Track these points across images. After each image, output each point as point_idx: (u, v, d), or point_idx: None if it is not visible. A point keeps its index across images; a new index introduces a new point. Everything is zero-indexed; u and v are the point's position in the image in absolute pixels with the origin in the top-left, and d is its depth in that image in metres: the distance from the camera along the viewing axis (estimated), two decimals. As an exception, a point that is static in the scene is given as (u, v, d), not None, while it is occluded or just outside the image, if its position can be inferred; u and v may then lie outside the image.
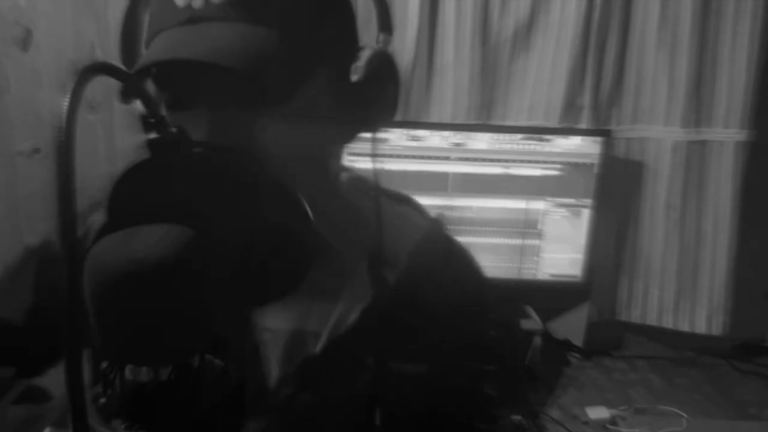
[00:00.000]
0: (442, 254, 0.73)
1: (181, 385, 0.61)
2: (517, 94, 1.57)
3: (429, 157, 1.49)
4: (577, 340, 1.63)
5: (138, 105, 0.48)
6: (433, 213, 0.76)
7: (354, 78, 0.57)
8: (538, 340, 1.52)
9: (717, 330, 1.61)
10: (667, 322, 1.64)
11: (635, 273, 1.65)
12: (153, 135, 0.48)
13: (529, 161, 1.51)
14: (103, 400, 0.62)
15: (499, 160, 1.50)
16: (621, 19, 1.53)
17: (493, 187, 1.51)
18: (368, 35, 0.63)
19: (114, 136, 1.49)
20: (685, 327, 1.63)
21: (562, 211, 1.54)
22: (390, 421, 0.64)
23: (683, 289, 1.62)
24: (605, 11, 1.51)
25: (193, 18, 0.52)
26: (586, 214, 1.54)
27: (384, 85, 0.60)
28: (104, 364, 0.62)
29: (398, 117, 0.68)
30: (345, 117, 0.60)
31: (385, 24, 0.63)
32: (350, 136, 0.63)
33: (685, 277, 1.61)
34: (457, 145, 1.49)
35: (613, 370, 1.58)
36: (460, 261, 0.76)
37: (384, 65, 0.60)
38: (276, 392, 0.64)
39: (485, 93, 1.56)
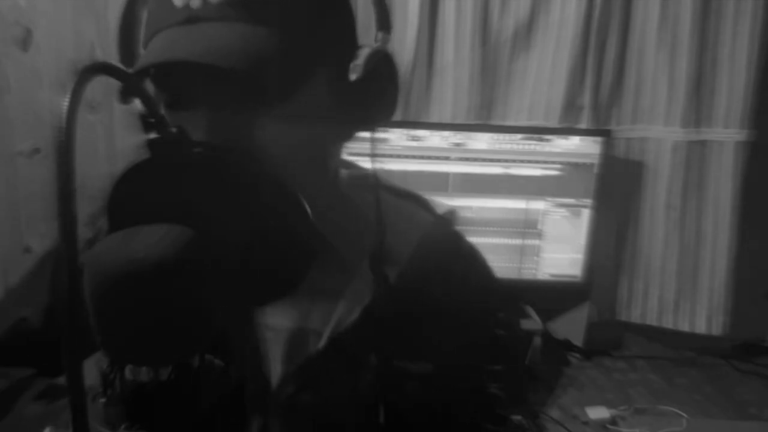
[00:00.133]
0: (446, 251, 0.72)
1: (181, 385, 0.61)
2: (517, 94, 1.57)
3: (429, 157, 1.49)
4: (577, 340, 1.63)
5: (138, 105, 0.48)
6: (441, 209, 0.74)
7: (353, 77, 0.57)
8: (538, 340, 1.53)
9: (717, 330, 1.61)
10: (667, 322, 1.64)
11: (635, 273, 1.65)
12: (153, 135, 0.48)
13: (529, 161, 1.51)
14: (103, 400, 0.62)
15: (499, 160, 1.50)
16: (621, 19, 1.53)
17: (493, 187, 1.51)
18: (367, 35, 0.63)
19: (114, 136, 1.49)
20: (685, 327, 1.63)
21: (562, 211, 1.54)
22: (394, 421, 0.64)
23: (683, 289, 1.62)
24: (605, 11, 1.51)
25: (191, 18, 0.52)
26: (586, 214, 1.54)
27: (383, 84, 0.60)
28: (104, 364, 0.62)
29: (398, 117, 0.67)
30: (344, 116, 0.60)
31: (384, 23, 0.63)
32: (350, 135, 0.63)
33: (685, 277, 1.61)
34: (457, 145, 1.49)
35: (613, 370, 1.58)
36: (467, 258, 0.75)
37: (383, 64, 0.60)
38: (277, 392, 0.64)
39: (485, 93, 1.56)
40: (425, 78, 1.54)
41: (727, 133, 1.54)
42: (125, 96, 0.51)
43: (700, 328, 1.62)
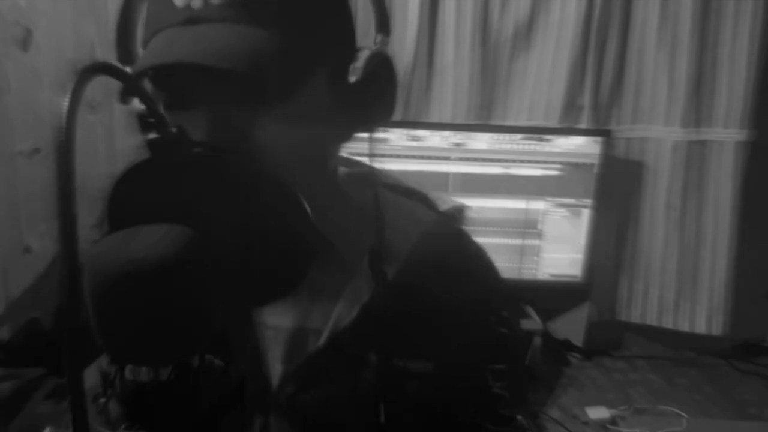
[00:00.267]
0: (446, 249, 0.71)
1: (181, 385, 0.61)
2: (517, 94, 1.57)
3: (429, 157, 1.49)
4: (577, 340, 1.63)
5: (138, 105, 0.48)
6: (446, 206, 0.73)
7: (352, 79, 0.57)
8: (538, 340, 1.53)
9: (717, 330, 1.61)
10: (667, 322, 1.64)
11: (635, 273, 1.65)
12: (153, 135, 0.48)
13: (529, 161, 1.51)
14: (103, 400, 0.62)
15: (499, 160, 1.50)
16: (621, 19, 1.53)
17: (493, 187, 1.51)
18: (367, 37, 0.63)
19: (114, 136, 1.49)
20: (685, 327, 1.63)
21: (562, 211, 1.54)
22: (394, 421, 0.64)
23: (683, 289, 1.62)
24: (605, 11, 1.51)
25: (191, 18, 0.52)
26: (586, 214, 1.54)
27: (382, 86, 0.60)
28: (104, 364, 0.62)
29: (398, 117, 0.67)
30: (343, 117, 0.60)
31: (383, 25, 0.63)
32: (349, 136, 0.63)
33: (685, 277, 1.61)
34: (457, 145, 1.49)
35: (613, 370, 1.58)
36: (469, 255, 0.74)
37: (382, 66, 0.60)
38: (277, 391, 0.64)
39: (485, 93, 1.56)
40: (425, 78, 1.54)
41: (727, 133, 1.54)
42: (125, 96, 0.51)
43: (700, 328, 1.62)
